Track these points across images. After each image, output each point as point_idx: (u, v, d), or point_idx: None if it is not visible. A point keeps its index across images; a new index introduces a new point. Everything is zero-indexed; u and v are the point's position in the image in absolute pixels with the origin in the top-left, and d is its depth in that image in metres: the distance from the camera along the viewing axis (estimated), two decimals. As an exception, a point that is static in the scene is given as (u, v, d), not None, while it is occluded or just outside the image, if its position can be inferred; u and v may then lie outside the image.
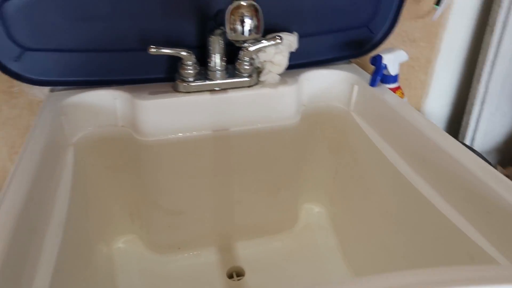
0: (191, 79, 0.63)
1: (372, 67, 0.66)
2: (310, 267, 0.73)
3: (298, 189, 0.79)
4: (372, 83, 0.65)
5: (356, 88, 0.69)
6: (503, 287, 0.32)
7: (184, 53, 0.61)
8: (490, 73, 0.78)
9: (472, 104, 0.82)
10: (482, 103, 0.81)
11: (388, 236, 0.62)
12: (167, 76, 0.65)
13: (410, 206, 0.55)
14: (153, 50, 0.58)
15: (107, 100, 0.64)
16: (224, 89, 0.64)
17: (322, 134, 0.76)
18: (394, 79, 0.67)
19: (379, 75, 0.65)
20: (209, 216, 0.74)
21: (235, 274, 0.72)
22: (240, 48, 0.63)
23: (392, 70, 0.66)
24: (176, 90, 0.64)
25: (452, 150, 0.50)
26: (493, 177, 0.45)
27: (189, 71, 0.62)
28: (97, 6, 0.58)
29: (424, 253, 0.53)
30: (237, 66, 0.64)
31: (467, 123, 0.84)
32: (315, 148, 0.77)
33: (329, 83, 0.72)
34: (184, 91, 0.64)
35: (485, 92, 0.79)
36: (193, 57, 0.61)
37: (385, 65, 0.65)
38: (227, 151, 0.68)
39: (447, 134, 0.53)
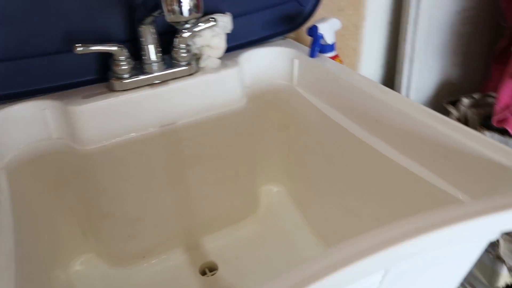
0: (126, 76, 0.59)
1: (309, 40, 0.66)
2: (281, 247, 0.73)
3: (255, 172, 0.78)
4: (312, 54, 0.65)
5: (296, 62, 0.69)
6: (470, 221, 0.33)
7: (114, 48, 0.56)
8: (414, 32, 0.82)
9: (402, 64, 0.86)
10: (411, 61, 0.85)
11: (352, 201, 0.63)
12: (101, 77, 0.60)
13: (371, 167, 0.57)
14: (79, 49, 0.53)
15: (34, 113, 0.57)
16: (164, 81, 0.61)
17: (270, 113, 0.75)
18: (331, 48, 0.68)
19: (317, 46, 0.65)
20: (169, 217, 0.70)
21: (208, 269, 0.69)
22: (174, 36, 0.59)
23: (329, 39, 0.66)
24: (111, 89, 0.59)
25: (401, 105, 0.52)
26: (444, 123, 0.47)
27: (123, 67, 0.58)
28: (6, 8, 0.51)
29: (391, 209, 0.54)
30: (174, 55, 0.61)
31: (400, 82, 0.89)
32: (265, 128, 0.76)
33: (269, 61, 0.71)
34: (120, 89, 0.59)
35: (412, 50, 0.84)
36: (125, 51, 0.57)
37: (322, 35, 0.65)
38: (178, 146, 0.65)
39: (392, 91, 0.55)
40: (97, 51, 0.55)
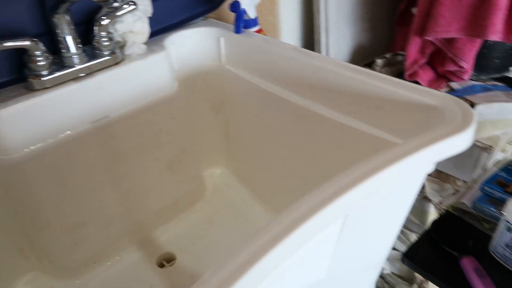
0: (45, 72, 0.54)
1: (231, 18, 0.66)
2: (234, 224, 0.74)
3: (197, 157, 0.77)
4: (237, 30, 0.66)
5: (222, 40, 0.69)
6: (408, 158, 0.37)
7: (27, 43, 0.51)
8: (326, 2, 0.87)
9: (319, 34, 0.90)
10: (326, 30, 0.90)
11: (297, 166, 0.65)
12: (17, 77, 0.55)
13: (310, 130, 0.60)
14: (-14, 47, 0.48)
15: None
16: (89, 73, 0.57)
17: (203, 95, 0.74)
18: (255, 22, 0.69)
19: (241, 21, 0.66)
20: (115, 215, 0.67)
21: (166, 261, 0.68)
22: (92, 25, 0.56)
23: (251, 13, 0.67)
24: (31, 89, 0.54)
25: (330, 66, 0.55)
26: (372, 76, 0.51)
27: (40, 63, 0.53)
28: None
29: (335, 165, 0.58)
30: (96, 45, 0.57)
31: (319, 51, 0.93)
32: (201, 111, 0.76)
33: (195, 42, 0.70)
34: (40, 87, 0.54)
35: (326, 20, 0.88)
36: (40, 45, 0.52)
37: (244, 10, 0.66)
38: (114, 140, 0.62)
39: (320, 54, 0.58)
40: (7, 48, 0.50)
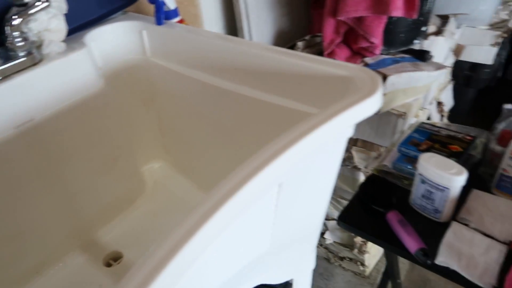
0: (-44, 80, 0.51)
1: (151, 11, 0.67)
2: (178, 214, 0.75)
3: (133, 153, 0.77)
4: (159, 22, 0.66)
5: (145, 33, 0.69)
6: (324, 125, 0.41)
7: None
8: (243, -11, 0.89)
9: (241, 21, 0.93)
10: (247, 17, 0.93)
11: (231, 148, 0.68)
12: None
13: (240, 112, 0.62)
14: None
15: None
16: (5, 77, 0.55)
17: (131, 90, 0.74)
18: (175, 13, 0.70)
19: (162, 13, 0.66)
20: (54, 221, 0.65)
21: (113, 260, 0.67)
22: (3, 25, 0.54)
23: (171, 4, 0.68)
24: None
25: (254, 49, 0.58)
26: (292, 55, 0.54)
27: (-51, 70, 0.50)
28: None
29: (264, 142, 0.61)
30: (9, 46, 0.55)
31: (243, 38, 0.96)
32: (131, 107, 0.75)
33: (116, 37, 0.69)
34: (-48, 97, 0.51)
35: (246, 7, 0.91)
36: None
37: (163, 1, 0.66)
38: (43, 144, 0.60)
39: (242, 39, 0.61)
40: None
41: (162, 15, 0.66)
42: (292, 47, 0.99)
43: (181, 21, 0.71)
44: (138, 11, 0.76)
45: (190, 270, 0.33)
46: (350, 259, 1.20)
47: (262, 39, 0.99)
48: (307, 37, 0.98)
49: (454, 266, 0.55)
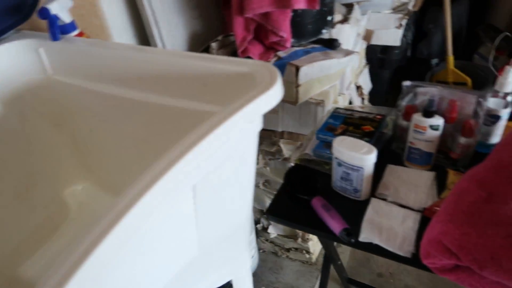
0: None
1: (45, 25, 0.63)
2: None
3: (50, 178, 0.73)
4: (54, 37, 0.63)
5: (42, 51, 0.65)
6: (223, 124, 0.41)
7: None
8: (148, -5, 0.87)
9: (150, 27, 0.91)
10: (156, 23, 0.91)
11: (148, 157, 0.66)
12: None
13: (153, 120, 0.61)
14: None
15: None
16: None
17: (37, 112, 0.70)
18: (72, 26, 0.67)
19: (56, 28, 0.63)
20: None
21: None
22: None
23: (65, 17, 0.65)
24: None
25: (159, 56, 0.57)
26: (196, 57, 0.54)
27: None
28: None
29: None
30: None
31: (156, 45, 0.93)
32: (40, 130, 0.71)
33: (11, 58, 0.65)
34: None
35: (153, 12, 0.89)
36: None
37: (56, 15, 0.63)
38: None
39: (148, 47, 0.60)
40: None
41: (57, 30, 0.63)
42: (207, 49, 0.99)
43: (80, 34, 0.68)
44: (33, 28, 0.71)
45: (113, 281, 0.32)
46: (296, 249, 1.22)
47: (175, 44, 0.97)
48: (220, 38, 0.98)
49: (376, 240, 0.57)
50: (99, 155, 0.75)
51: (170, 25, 0.96)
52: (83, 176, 0.80)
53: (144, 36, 0.96)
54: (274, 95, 0.45)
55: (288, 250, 1.24)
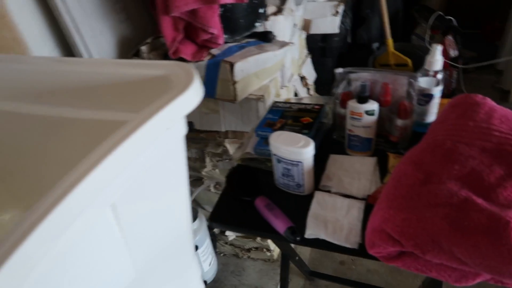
0: None
1: None
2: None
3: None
4: (-51, 55, 0.56)
5: None
6: (137, 131, 0.38)
7: None
8: (63, 2, 0.81)
9: (71, 36, 0.84)
10: (78, 31, 0.84)
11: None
12: None
13: (70, 136, 0.56)
14: None
15: None
16: None
17: None
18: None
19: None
20: None
21: None
22: None
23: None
24: None
25: (75, 67, 0.52)
26: (110, 64, 0.50)
27: None
28: None
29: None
30: None
31: (80, 54, 0.87)
32: None
33: None
34: None
35: (73, 20, 0.83)
36: None
37: None
38: None
39: (65, 57, 0.54)
40: None
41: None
42: (137, 53, 0.93)
43: (-17, 49, 0.62)
44: None
45: None
46: (256, 248, 1.20)
47: (102, 51, 0.91)
48: (149, 40, 0.93)
49: (322, 235, 0.56)
50: (24, 180, 0.69)
51: (94, 31, 0.90)
52: (10, 204, 0.73)
53: (66, 46, 0.89)
54: (191, 97, 0.42)
55: (248, 250, 1.22)
